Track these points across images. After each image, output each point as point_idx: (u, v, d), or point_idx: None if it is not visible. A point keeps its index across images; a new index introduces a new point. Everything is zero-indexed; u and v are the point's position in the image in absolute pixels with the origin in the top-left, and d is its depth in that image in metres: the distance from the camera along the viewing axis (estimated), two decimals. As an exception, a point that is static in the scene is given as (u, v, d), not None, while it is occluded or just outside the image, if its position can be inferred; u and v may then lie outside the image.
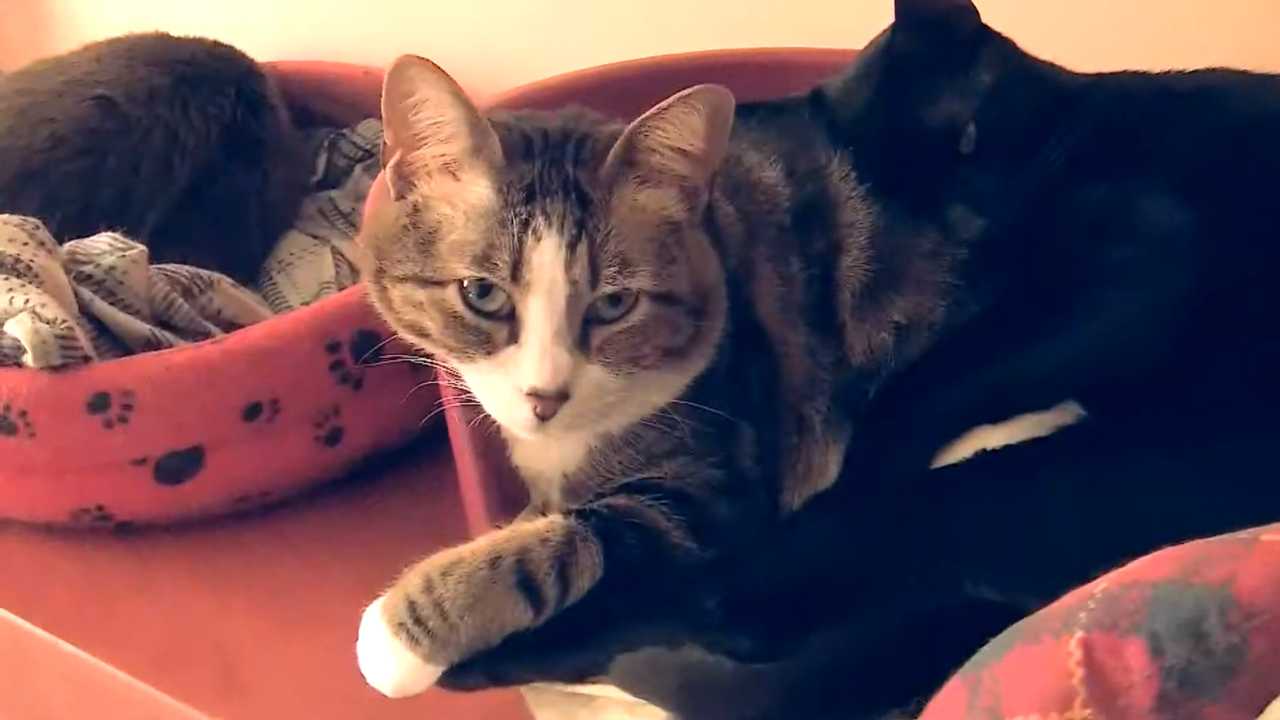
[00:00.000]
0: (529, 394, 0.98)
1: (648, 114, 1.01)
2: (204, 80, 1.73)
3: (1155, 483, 1.03)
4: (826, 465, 1.16)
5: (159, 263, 1.54)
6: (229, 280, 1.56)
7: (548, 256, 0.98)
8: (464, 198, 1.01)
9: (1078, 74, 1.31)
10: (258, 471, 1.41)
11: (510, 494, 1.17)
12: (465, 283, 1.00)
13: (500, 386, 1.01)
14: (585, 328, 1.00)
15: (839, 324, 1.17)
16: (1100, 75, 1.31)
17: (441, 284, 1.01)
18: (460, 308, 1.00)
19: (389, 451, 1.50)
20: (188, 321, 1.48)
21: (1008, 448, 1.09)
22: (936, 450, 1.12)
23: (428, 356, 1.09)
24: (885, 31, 1.30)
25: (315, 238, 1.82)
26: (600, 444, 1.12)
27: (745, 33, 1.68)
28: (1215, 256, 1.11)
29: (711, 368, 1.11)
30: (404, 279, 1.03)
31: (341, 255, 1.76)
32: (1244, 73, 1.27)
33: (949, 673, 0.81)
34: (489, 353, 1.01)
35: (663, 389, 1.08)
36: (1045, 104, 1.24)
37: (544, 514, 1.08)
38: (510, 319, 1.00)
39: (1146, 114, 1.25)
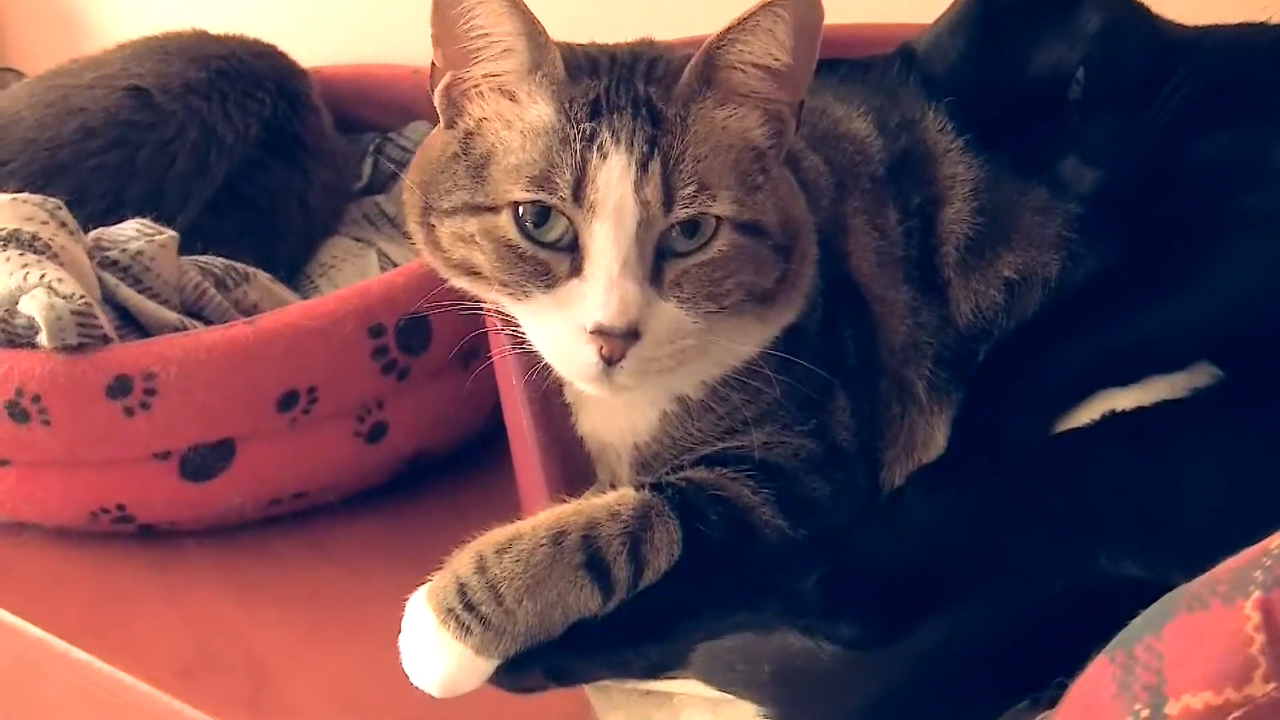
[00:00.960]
0: (594, 332, 0.86)
1: (728, 25, 0.90)
2: (243, 76, 1.64)
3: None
4: (933, 435, 1.03)
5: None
6: (266, 275, 1.45)
7: (615, 175, 0.86)
8: (521, 117, 0.90)
9: (1192, 27, 1.20)
10: (292, 470, 1.29)
11: (572, 476, 1.03)
12: (521, 208, 0.88)
13: (561, 327, 0.89)
14: (659, 259, 0.89)
15: (943, 281, 1.05)
16: (1213, 27, 1.19)
17: (495, 209, 0.89)
18: (515, 235, 0.88)
19: (437, 456, 1.38)
20: (220, 313, 1.37)
21: (1142, 409, 0.96)
22: (1058, 416, 0.99)
23: (480, 304, 0.97)
24: None
25: (359, 240, 1.72)
26: (676, 408, 0.99)
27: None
28: None
29: (801, 325, 0.99)
30: (453, 211, 0.91)
31: (388, 258, 1.64)
32: None
33: (1091, 654, 0.69)
34: (549, 286, 0.89)
35: (747, 338, 0.96)
36: (1158, 50, 1.13)
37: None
38: (573, 249, 0.88)
39: (1270, 63, 1.14)
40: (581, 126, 0.88)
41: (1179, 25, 1.19)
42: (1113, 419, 0.95)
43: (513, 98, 0.92)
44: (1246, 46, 1.17)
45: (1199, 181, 1.07)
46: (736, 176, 0.90)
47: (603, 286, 0.87)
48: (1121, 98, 1.10)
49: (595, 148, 0.87)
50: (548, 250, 0.89)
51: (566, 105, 0.89)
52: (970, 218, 1.05)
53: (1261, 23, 1.20)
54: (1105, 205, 1.08)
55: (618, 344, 0.87)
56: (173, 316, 1.31)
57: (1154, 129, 1.09)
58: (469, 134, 0.92)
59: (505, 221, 0.89)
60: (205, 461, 1.24)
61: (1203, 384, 0.98)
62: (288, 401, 1.23)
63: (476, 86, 0.93)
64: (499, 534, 0.90)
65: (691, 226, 0.89)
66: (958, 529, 0.94)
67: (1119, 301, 1.02)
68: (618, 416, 1.01)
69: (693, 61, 0.91)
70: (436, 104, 0.95)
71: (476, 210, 0.90)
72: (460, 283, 0.95)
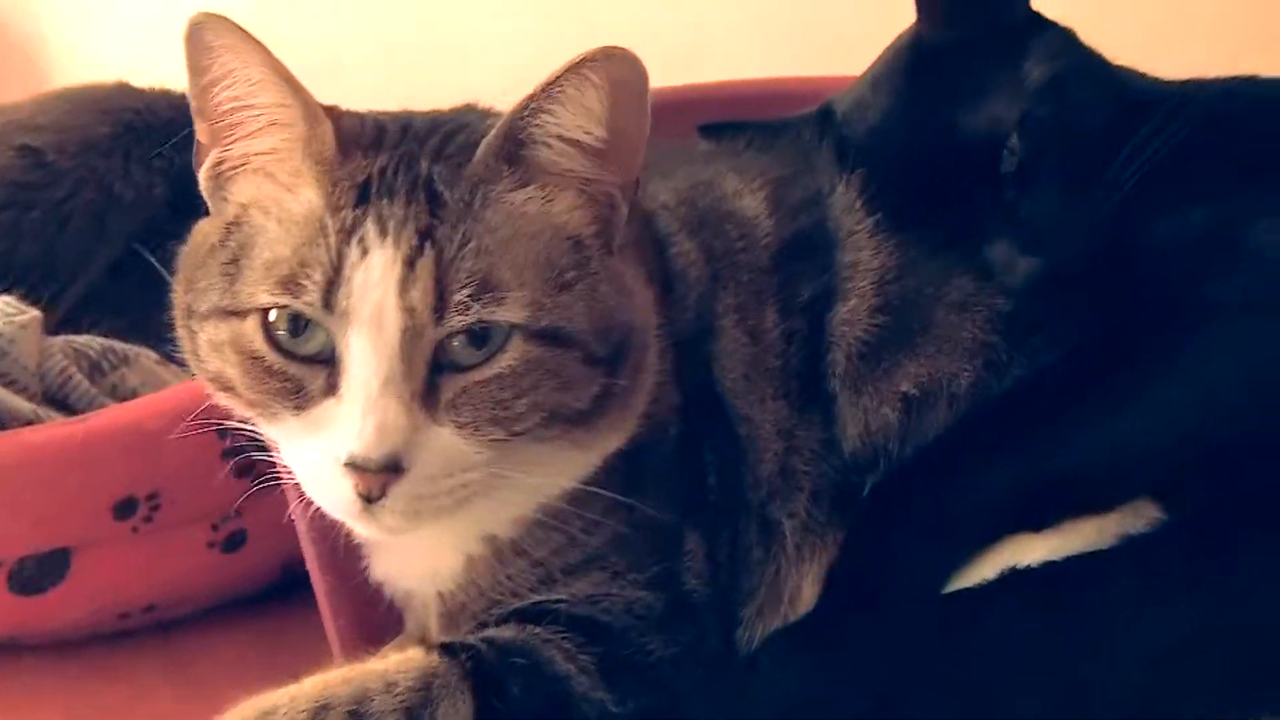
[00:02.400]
0: (347, 464, 0.70)
1: (531, 92, 0.74)
2: (154, 131, 1.50)
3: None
4: (800, 588, 0.85)
5: (88, 332, 1.32)
6: (154, 355, 1.31)
7: (376, 275, 0.71)
8: (281, 203, 0.76)
9: (1164, 80, 1.00)
10: (139, 582, 1.15)
11: (374, 624, 0.87)
12: (271, 314, 0.73)
13: (315, 456, 0.74)
14: (433, 374, 0.72)
15: (827, 395, 0.87)
16: (1196, 80, 1.00)
17: (241, 315, 0.74)
18: (262, 346, 0.74)
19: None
20: (86, 401, 1.23)
21: (1051, 567, 0.78)
22: (954, 566, 0.80)
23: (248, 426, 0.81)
24: (909, 29, 1.01)
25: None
26: (484, 551, 0.83)
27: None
28: None
29: (645, 450, 0.82)
30: (208, 315, 0.77)
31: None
32: None
33: None
34: (300, 408, 0.73)
35: (559, 470, 0.80)
36: (1117, 107, 0.95)
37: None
38: (331, 363, 0.73)
39: (1259, 121, 0.95)
40: (342, 215, 0.73)
41: (1147, 77, 1.01)
42: (1013, 579, 0.77)
43: (276, 180, 0.76)
44: (1234, 100, 0.98)
45: (1158, 269, 0.89)
46: (538, 274, 0.74)
47: (358, 410, 0.71)
48: (1068, 167, 0.92)
49: (355, 241, 0.72)
50: (302, 364, 0.74)
51: (332, 189, 0.74)
52: (868, 317, 0.88)
53: (1249, 76, 1.00)
54: (1041, 300, 0.89)
55: (375, 479, 0.71)
56: (26, 407, 1.18)
57: (1107, 205, 0.90)
58: (230, 223, 0.78)
59: (252, 329, 0.74)
60: (38, 573, 1.11)
61: (1139, 528, 0.79)
62: (125, 508, 1.09)
63: (237, 167, 0.78)
64: (258, 703, 0.75)
65: (480, 335, 0.73)
66: (818, 708, 0.76)
67: (1041, 419, 0.83)
68: (415, 560, 0.85)
69: (489, 135, 0.75)
70: (202, 188, 0.81)
71: (226, 315, 0.75)
72: (220, 399, 0.80)
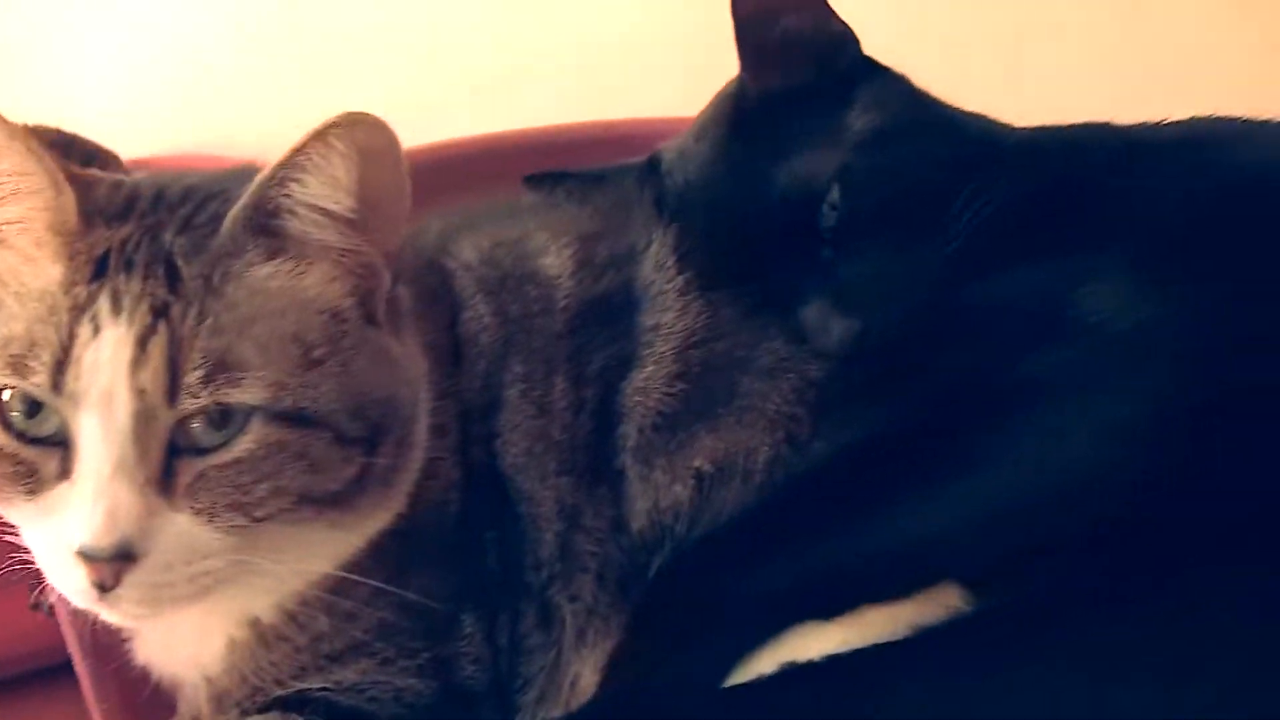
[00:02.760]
0: (79, 553, 0.66)
1: (279, 159, 0.69)
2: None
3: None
4: (581, 675, 0.80)
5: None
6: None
7: (106, 355, 0.67)
8: (21, 276, 0.71)
9: (1015, 127, 0.96)
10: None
11: (144, 709, 0.82)
12: (5, 394, 0.69)
13: (50, 542, 0.69)
14: (171, 458, 0.68)
15: (616, 471, 0.82)
16: (1045, 127, 0.95)
17: None
18: None
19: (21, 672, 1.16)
20: None
21: (835, 661, 0.72)
22: (737, 656, 0.75)
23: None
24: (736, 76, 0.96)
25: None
26: (247, 635, 0.79)
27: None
28: (1193, 365, 0.76)
29: (420, 528, 0.78)
30: None
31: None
32: (1243, 120, 0.92)
33: None
34: (32, 492, 0.69)
35: (316, 553, 0.75)
36: (951, 158, 0.90)
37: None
38: (65, 446, 0.69)
39: (1105, 173, 0.89)
40: (76, 291, 0.69)
41: (1006, 126, 0.96)
42: (793, 675, 0.72)
43: (17, 252, 0.72)
44: (1080, 151, 0.93)
45: (976, 338, 0.83)
46: (283, 352, 0.70)
47: (88, 496, 0.67)
48: (889, 224, 0.87)
49: (87, 319, 0.68)
50: (36, 447, 0.69)
51: (70, 263, 0.70)
52: (666, 386, 0.83)
53: (1102, 123, 0.96)
54: (856, 366, 0.85)
55: (107, 568, 0.67)
56: None
57: (931, 265, 0.86)
58: None
59: None
60: None
61: (938, 618, 0.74)
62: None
63: (-23, 239, 0.73)
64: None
65: (220, 417, 0.68)
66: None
67: (838, 504, 0.78)
68: (177, 643, 0.80)
69: (237, 206, 0.70)
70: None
71: None
72: None
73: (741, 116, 0.93)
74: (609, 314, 0.86)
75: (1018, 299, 0.84)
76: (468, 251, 0.90)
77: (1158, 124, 0.93)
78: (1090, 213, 0.87)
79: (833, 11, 0.93)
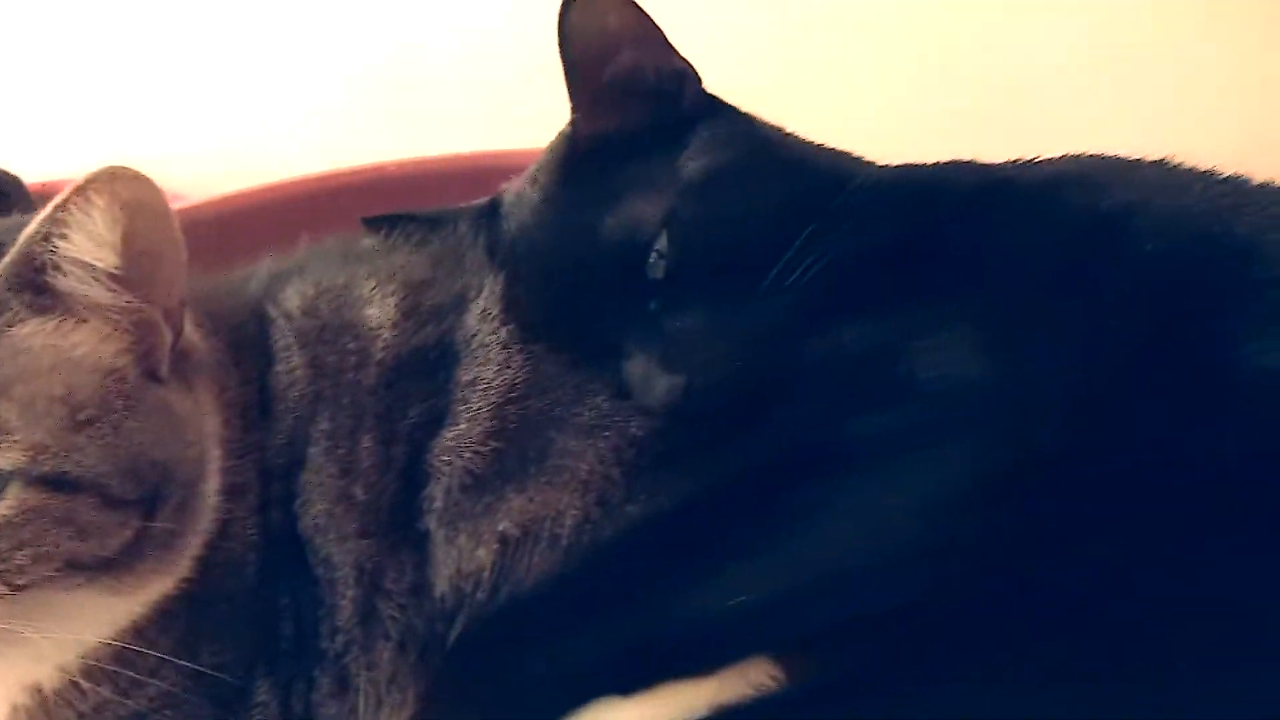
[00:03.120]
0: None
1: (43, 214, 0.66)
2: None
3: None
4: (373, 751, 0.76)
5: None
6: None
7: None
8: None
9: (873, 167, 0.92)
10: None
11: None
12: None
13: None
14: None
15: (421, 534, 0.79)
16: (903, 168, 0.92)
17: None
18: None
19: None
20: None
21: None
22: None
23: None
24: None
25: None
26: (29, 702, 0.75)
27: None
28: (1029, 429, 0.73)
29: (212, 592, 0.75)
30: None
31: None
32: (1123, 161, 0.88)
33: None
34: None
35: (94, 620, 0.72)
36: (789, 203, 0.85)
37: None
38: None
39: (956, 220, 0.85)
40: None
41: (847, 164, 0.92)
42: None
43: None
44: (937, 194, 0.88)
45: (804, 395, 0.80)
46: (47, 413, 0.67)
47: None
48: (720, 273, 0.84)
49: None
50: None
51: None
52: (478, 444, 0.79)
53: (965, 163, 0.92)
54: (678, 425, 0.81)
55: None
56: None
57: (763, 318, 0.82)
58: None
59: None
60: None
61: (745, 695, 0.71)
62: None
63: None
64: None
65: None
66: None
67: (647, 569, 0.75)
68: (-36, 709, 0.76)
69: (2, 263, 0.67)
70: None
71: None
72: None
73: (573, 161, 0.89)
74: (426, 368, 0.82)
75: (848, 357, 0.80)
76: (292, 299, 0.86)
77: (1027, 163, 0.90)
78: (934, 264, 0.83)
79: (671, 48, 0.89)
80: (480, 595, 0.77)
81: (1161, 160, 0.87)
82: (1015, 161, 0.90)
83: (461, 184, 1.19)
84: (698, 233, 0.83)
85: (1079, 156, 0.90)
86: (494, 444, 0.79)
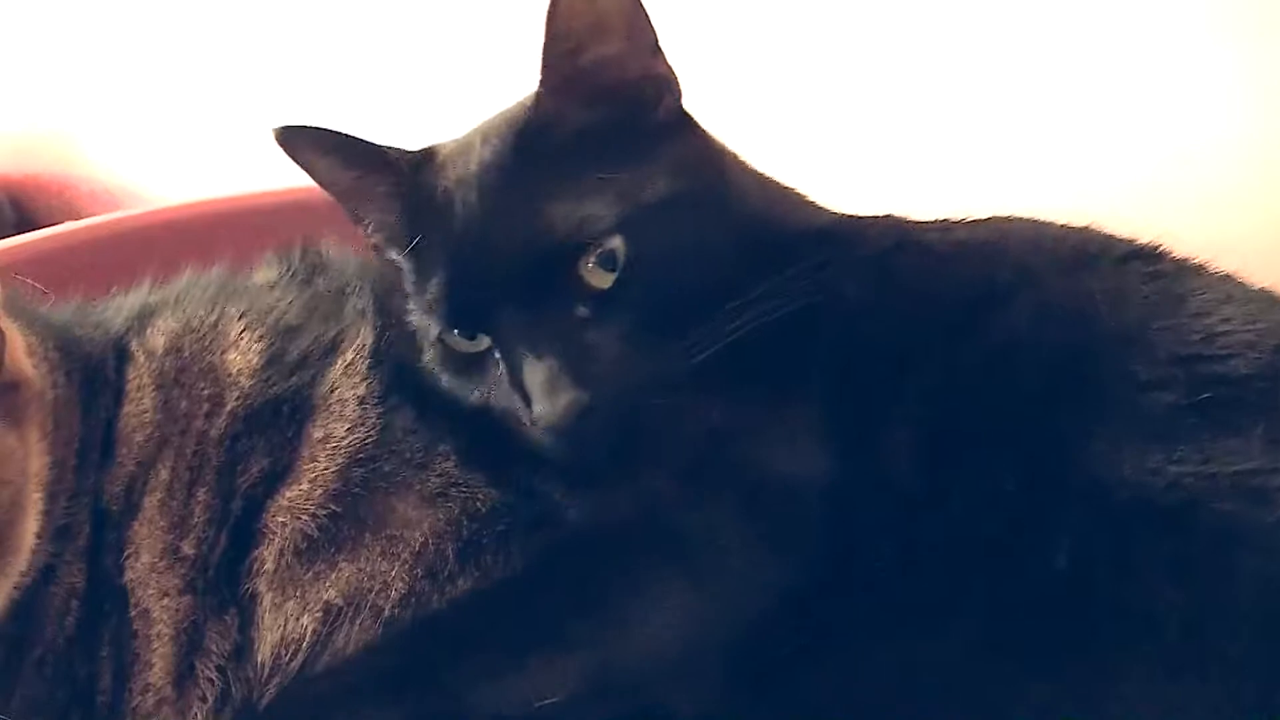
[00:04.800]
0: None
1: None
2: None
3: None
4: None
5: None
6: None
7: None
8: None
9: (816, 214, 0.91)
10: None
11: None
12: None
13: None
14: None
15: (248, 596, 0.77)
16: (837, 223, 0.89)
17: None
18: None
19: None
20: None
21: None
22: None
23: None
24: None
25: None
26: None
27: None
28: (851, 532, 0.73)
29: (28, 639, 0.75)
30: None
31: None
32: (1038, 229, 0.87)
33: None
34: None
35: None
36: (740, 258, 0.82)
37: None
38: None
39: (864, 282, 0.82)
40: None
41: (812, 212, 0.91)
42: None
43: None
44: (843, 255, 0.85)
45: (660, 464, 0.77)
46: None
47: None
48: (657, 304, 0.80)
49: None
50: None
51: None
52: (318, 506, 0.78)
53: (889, 219, 0.90)
54: (524, 500, 0.79)
55: None
56: None
57: (677, 364, 0.78)
58: None
59: None
60: None
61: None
62: None
63: None
64: None
65: None
66: None
67: (452, 658, 0.72)
68: None
69: None
70: None
71: None
72: None
73: (529, 134, 0.83)
74: (278, 421, 0.81)
75: (712, 435, 0.78)
76: (157, 336, 0.85)
77: (948, 225, 0.88)
78: (841, 325, 0.80)
79: (660, 52, 0.85)
80: (295, 664, 0.75)
81: (1084, 228, 0.86)
82: (939, 222, 0.89)
83: None
84: (647, 257, 0.79)
85: (998, 221, 0.88)
86: (333, 507, 0.78)
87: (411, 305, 0.85)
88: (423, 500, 0.78)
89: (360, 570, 0.76)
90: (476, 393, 0.82)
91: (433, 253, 0.83)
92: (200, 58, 2.01)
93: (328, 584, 0.76)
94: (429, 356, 0.84)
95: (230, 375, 0.82)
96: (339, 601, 0.76)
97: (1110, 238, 0.85)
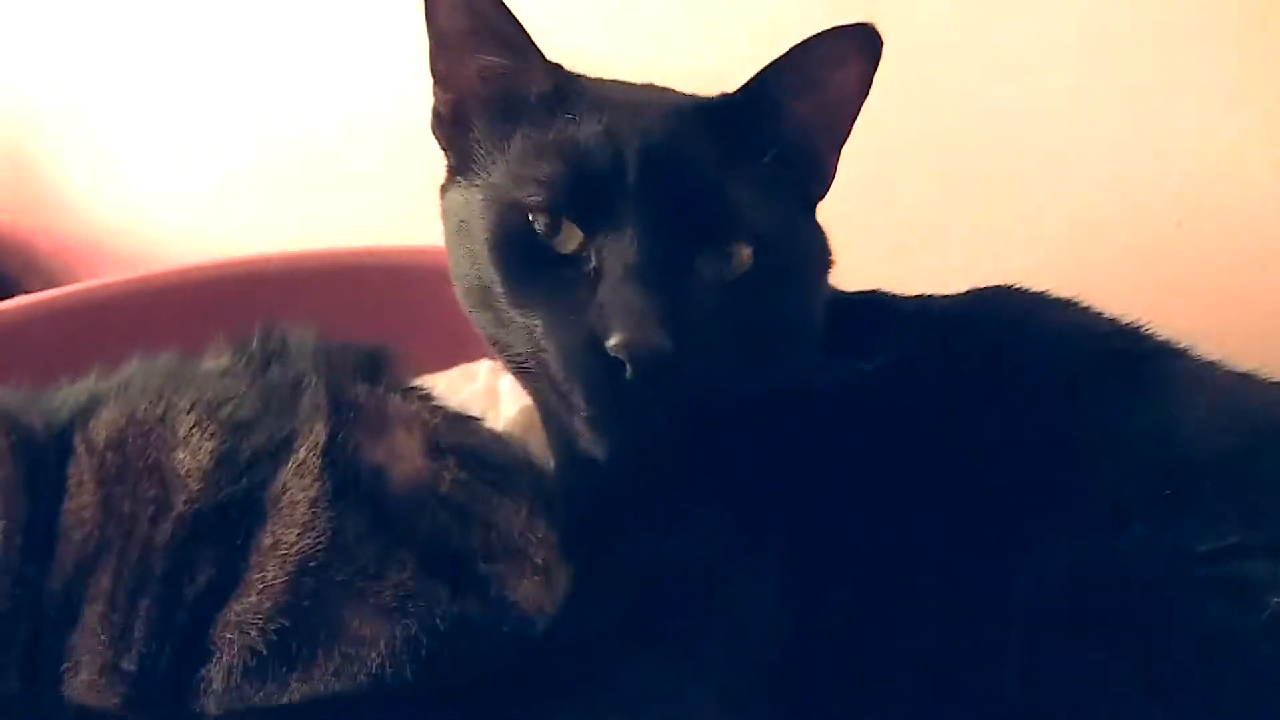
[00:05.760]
0: None
1: None
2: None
3: None
4: None
5: None
6: None
7: None
8: None
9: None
10: None
11: None
12: None
13: None
14: None
15: (194, 714, 0.74)
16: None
17: None
18: None
19: None
20: None
21: None
22: None
23: None
24: None
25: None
26: None
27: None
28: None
29: None
30: None
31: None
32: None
33: None
34: None
35: None
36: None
37: None
38: None
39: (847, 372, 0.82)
40: None
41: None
42: None
43: None
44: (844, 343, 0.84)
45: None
46: None
47: None
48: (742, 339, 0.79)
49: None
50: None
51: None
52: (267, 620, 0.74)
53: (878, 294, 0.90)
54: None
55: None
56: None
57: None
58: None
59: None
60: None
61: None
62: None
63: None
64: None
65: None
66: None
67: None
68: None
69: None
70: None
71: None
72: None
73: (724, 112, 0.82)
74: (227, 526, 0.77)
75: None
76: (101, 429, 0.81)
77: (929, 299, 0.89)
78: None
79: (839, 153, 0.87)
80: None
81: (1067, 303, 0.87)
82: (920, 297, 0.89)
83: (342, 279, 1.17)
84: (759, 279, 0.80)
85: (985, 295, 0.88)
86: (282, 621, 0.74)
87: (489, 172, 0.82)
88: (377, 613, 0.75)
89: (313, 689, 0.73)
90: (534, 295, 0.79)
91: (564, 135, 0.79)
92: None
93: (286, 695, 0.73)
94: (490, 237, 0.80)
95: (178, 476, 0.78)
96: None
97: (1092, 319, 0.86)
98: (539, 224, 0.78)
